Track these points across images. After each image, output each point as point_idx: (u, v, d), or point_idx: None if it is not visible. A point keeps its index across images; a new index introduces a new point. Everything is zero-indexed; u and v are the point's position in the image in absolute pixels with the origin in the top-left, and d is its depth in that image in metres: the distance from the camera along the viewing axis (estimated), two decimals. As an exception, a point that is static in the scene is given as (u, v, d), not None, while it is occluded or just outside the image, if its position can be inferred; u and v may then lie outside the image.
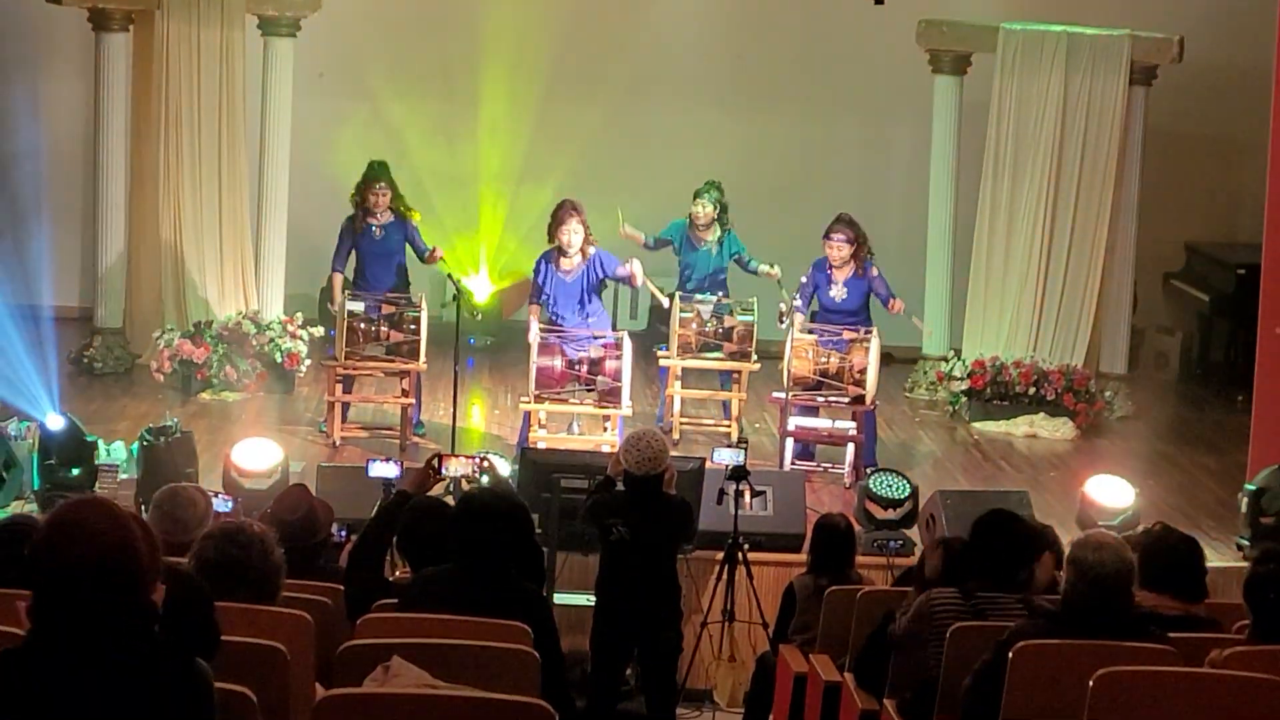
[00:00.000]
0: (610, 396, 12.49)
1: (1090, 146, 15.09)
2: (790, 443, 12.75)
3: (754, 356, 13.35)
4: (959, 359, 15.07)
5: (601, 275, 12.66)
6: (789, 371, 12.66)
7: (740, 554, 10.18)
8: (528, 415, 12.61)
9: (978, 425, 14.73)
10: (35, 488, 11.22)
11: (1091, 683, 5.81)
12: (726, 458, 10.20)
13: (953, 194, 15.49)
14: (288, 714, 5.58)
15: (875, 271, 13.02)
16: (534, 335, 12.61)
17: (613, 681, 9.17)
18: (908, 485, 11.58)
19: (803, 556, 10.19)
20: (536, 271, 12.71)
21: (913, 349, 15.76)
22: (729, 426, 13.42)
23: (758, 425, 13.90)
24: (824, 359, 12.82)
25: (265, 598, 6.16)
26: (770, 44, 16.79)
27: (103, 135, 14.80)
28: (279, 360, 14.42)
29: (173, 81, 14.62)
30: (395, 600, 6.69)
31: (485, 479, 8.96)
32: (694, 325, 13.36)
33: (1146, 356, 16.80)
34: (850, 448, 12.76)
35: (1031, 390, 14.72)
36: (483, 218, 16.68)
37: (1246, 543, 11.44)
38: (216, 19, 14.59)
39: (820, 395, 12.87)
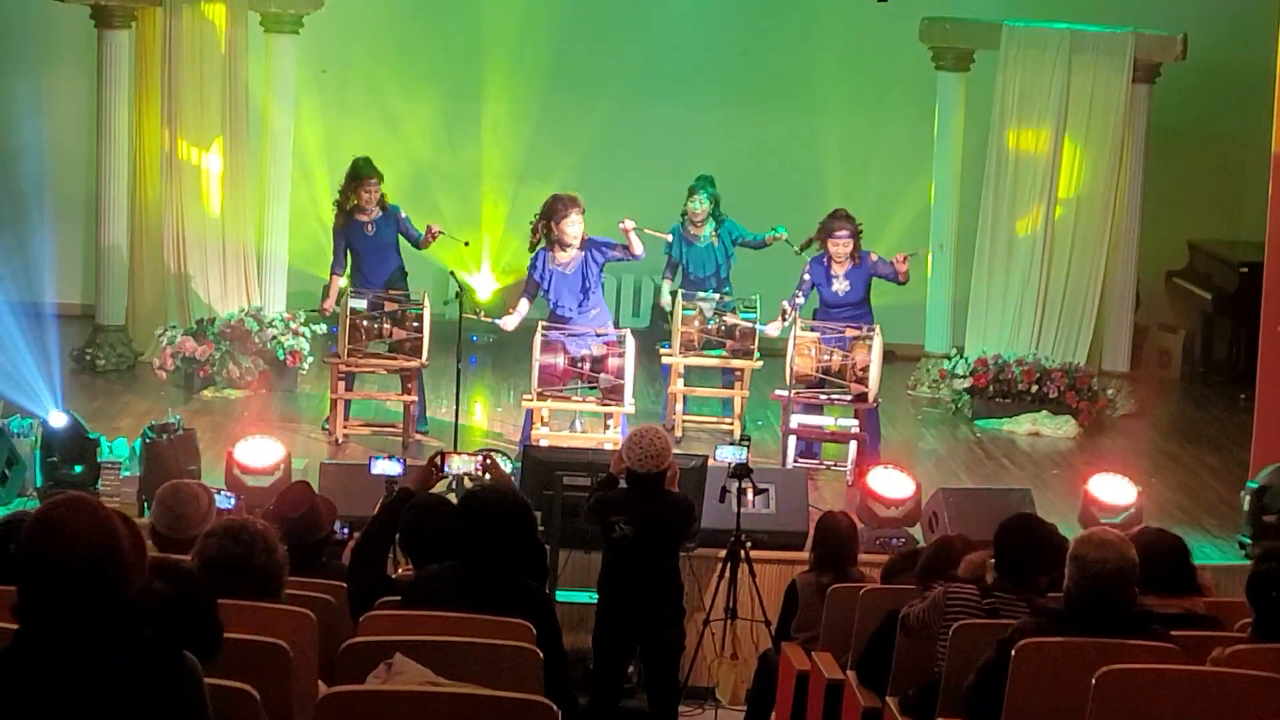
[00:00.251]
0: (613, 394, 12.49)
1: (1093, 144, 15.10)
2: (793, 440, 12.75)
3: (757, 354, 13.35)
4: (961, 357, 15.06)
5: (601, 260, 12.61)
6: (791, 369, 12.66)
7: (743, 552, 10.18)
8: (530, 413, 12.61)
9: (980, 423, 14.73)
10: (38, 485, 11.23)
11: (1094, 681, 5.81)
12: (729, 455, 10.20)
13: (956, 191, 15.49)
14: (291, 711, 5.58)
15: (873, 257, 13.02)
16: (510, 322, 12.63)
17: (615, 679, 9.17)
18: (910, 483, 11.59)
19: (805, 554, 10.20)
20: (533, 268, 12.67)
21: (915, 347, 15.76)
22: (731, 424, 13.41)
23: (760, 423, 13.90)
24: (826, 356, 12.82)
25: (268, 595, 6.15)
26: (772, 41, 16.78)
27: (105, 132, 14.81)
28: (281, 357, 14.42)
29: (175, 78, 14.62)
30: (398, 598, 6.69)
31: (488, 476, 8.95)
32: (696, 323, 13.36)
33: (1149, 354, 16.79)
34: (853, 445, 12.76)
35: (1034, 388, 14.72)
36: (485, 215, 16.68)
37: (1249, 541, 11.43)
38: (218, 16, 14.59)
39: (823, 393, 12.86)
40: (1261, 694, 5.84)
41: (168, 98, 14.64)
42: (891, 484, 11.57)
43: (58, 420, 11.33)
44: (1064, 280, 15.16)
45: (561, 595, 9.78)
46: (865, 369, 12.71)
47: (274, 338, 14.42)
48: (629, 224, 12.59)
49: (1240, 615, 6.86)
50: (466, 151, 16.69)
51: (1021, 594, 6.83)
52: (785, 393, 12.72)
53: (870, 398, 12.74)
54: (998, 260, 15.28)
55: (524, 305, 12.79)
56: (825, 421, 12.99)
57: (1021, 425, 14.66)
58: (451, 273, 12.88)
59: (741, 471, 10.08)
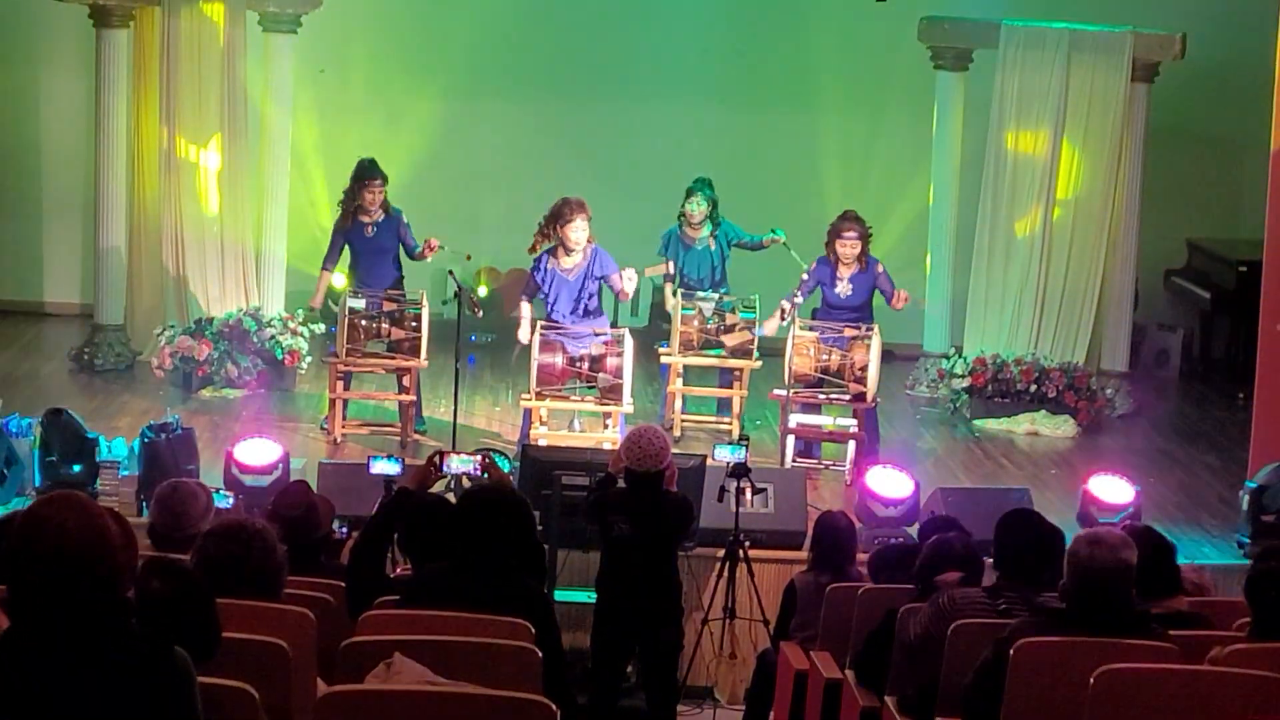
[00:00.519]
0: (611, 394, 12.49)
1: (1092, 143, 15.09)
2: (791, 440, 12.75)
3: (755, 354, 13.35)
4: (960, 356, 15.06)
5: (599, 275, 12.64)
6: (790, 369, 12.66)
7: (741, 551, 10.18)
8: (529, 412, 12.60)
9: (979, 423, 14.73)
10: (37, 484, 11.23)
11: (1092, 680, 5.81)
12: (727, 455, 10.20)
13: (954, 191, 15.48)
14: (290, 711, 5.59)
15: (880, 268, 13.02)
16: (524, 333, 12.65)
17: (614, 678, 9.18)
18: (909, 483, 11.59)
19: (804, 554, 10.20)
20: (536, 268, 12.68)
21: (914, 346, 15.76)
22: (730, 424, 13.41)
23: (759, 422, 13.90)
24: (825, 356, 12.82)
25: (267, 594, 6.16)
26: (770, 40, 16.78)
27: (103, 132, 14.80)
28: (280, 357, 14.41)
29: (173, 78, 14.61)
30: (397, 597, 6.69)
31: (486, 476, 8.95)
32: (695, 322, 13.36)
33: (1148, 354, 16.79)
34: (851, 445, 12.76)
35: (1033, 388, 14.72)
36: (482, 214, 16.66)
37: (1247, 540, 11.44)
38: (217, 15, 14.58)
39: (821, 392, 12.86)
40: (1260, 693, 5.85)
41: (166, 97, 14.63)
42: (890, 484, 11.56)
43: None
44: (1063, 279, 15.16)
45: (560, 595, 9.78)
46: (864, 369, 12.71)
47: (272, 337, 14.41)
48: (629, 288, 12.64)
49: (1239, 614, 6.86)
50: (464, 149, 16.68)
51: (1028, 591, 6.81)
52: (784, 392, 12.72)
53: (869, 397, 12.74)
54: (996, 259, 15.27)
55: (526, 309, 12.78)
56: (824, 421, 12.99)
57: (1020, 425, 14.66)
58: (450, 272, 12.86)
59: (740, 471, 10.08)
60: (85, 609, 4.01)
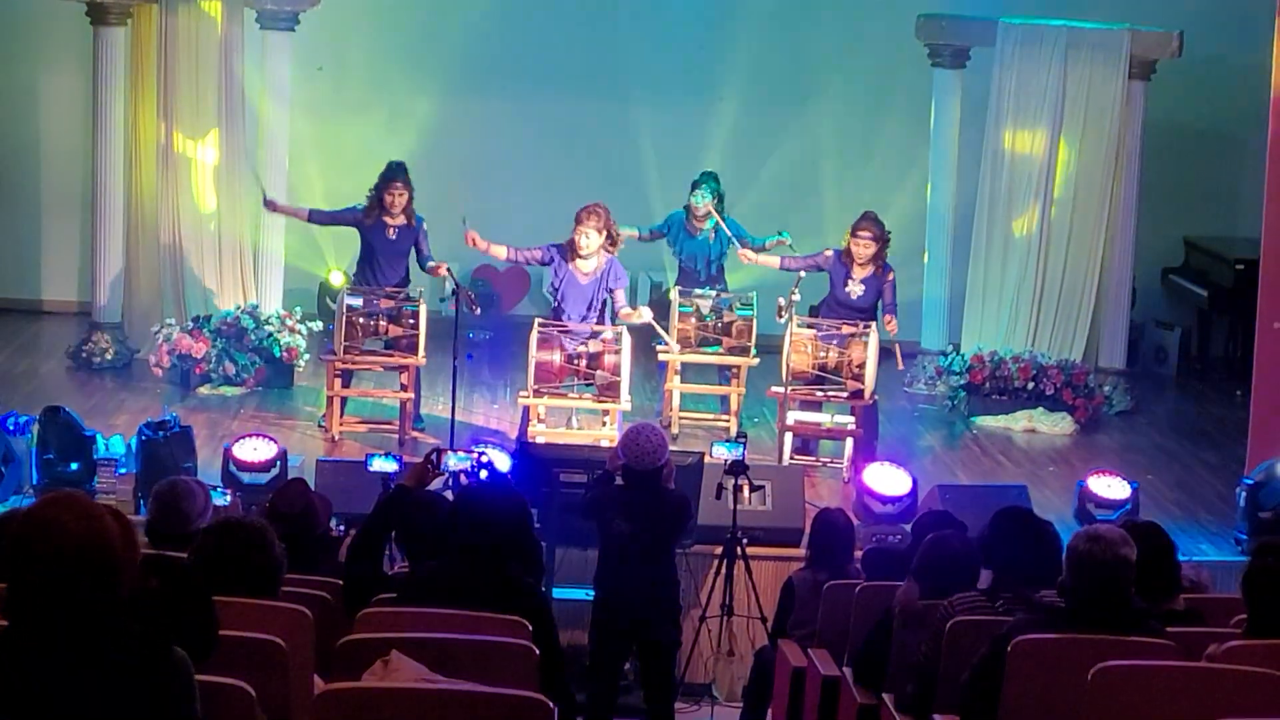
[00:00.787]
0: (609, 391, 12.49)
1: (1089, 141, 15.09)
2: (789, 437, 12.76)
3: (753, 351, 13.35)
4: (958, 354, 15.06)
5: (610, 288, 12.66)
6: (788, 366, 12.66)
7: (739, 549, 10.19)
8: (526, 410, 12.61)
9: (977, 420, 14.73)
10: (35, 482, 11.23)
11: (1089, 677, 5.81)
12: (725, 452, 10.20)
13: (952, 188, 15.48)
14: (287, 708, 5.59)
15: (891, 277, 12.97)
16: (483, 247, 12.78)
17: (612, 676, 9.18)
18: (907, 480, 11.59)
19: (801, 551, 10.21)
20: (549, 256, 12.68)
21: (911, 344, 15.75)
22: (728, 421, 13.42)
23: (756, 420, 13.90)
24: (823, 353, 12.82)
25: (264, 592, 6.16)
26: (768, 38, 16.77)
27: (101, 130, 14.79)
28: (278, 355, 14.41)
29: (171, 76, 14.61)
30: (394, 595, 6.69)
31: (484, 475, 8.95)
32: (693, 320, 13.36)
33: (1145, 351, 16.80)
34: (849, 442, 12.76)
35: (1030, 385, 14.72)
36: (481, 211, 16.63)
37: (1245, 537, 11.44)
38: (214, 13, 14.58)
39: (819, 390, 12.86)
40: (1256, 690, 5.85)
41: (164, 95, 14.63)
42: (888, 481, 11.58)
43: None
44: (1060, 277, 15.16)
45: (558, 592, 9.78)
46: (861, 366, 12.71)
47: (270, 335, 14.41)
48: (646, 314, 12.69)
49: (1236, 611, 6.86)
50: (462, 149, 16.67)
51: (1025, 591, 6.80)
52: (782, 389, 12.72)
53: (867, 395, 12.74)
54: (994, 257, 15.28)
55: (506, 251, 12.80)
56: (821, 418, 12.99)
57: (1018, 422, 14.67)
58: (448, 270, 12.87)
59: (738, 468, 10.08)
60: (85, 608, 4.01)
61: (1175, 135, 16.48)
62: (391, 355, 13.05)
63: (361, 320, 12.94)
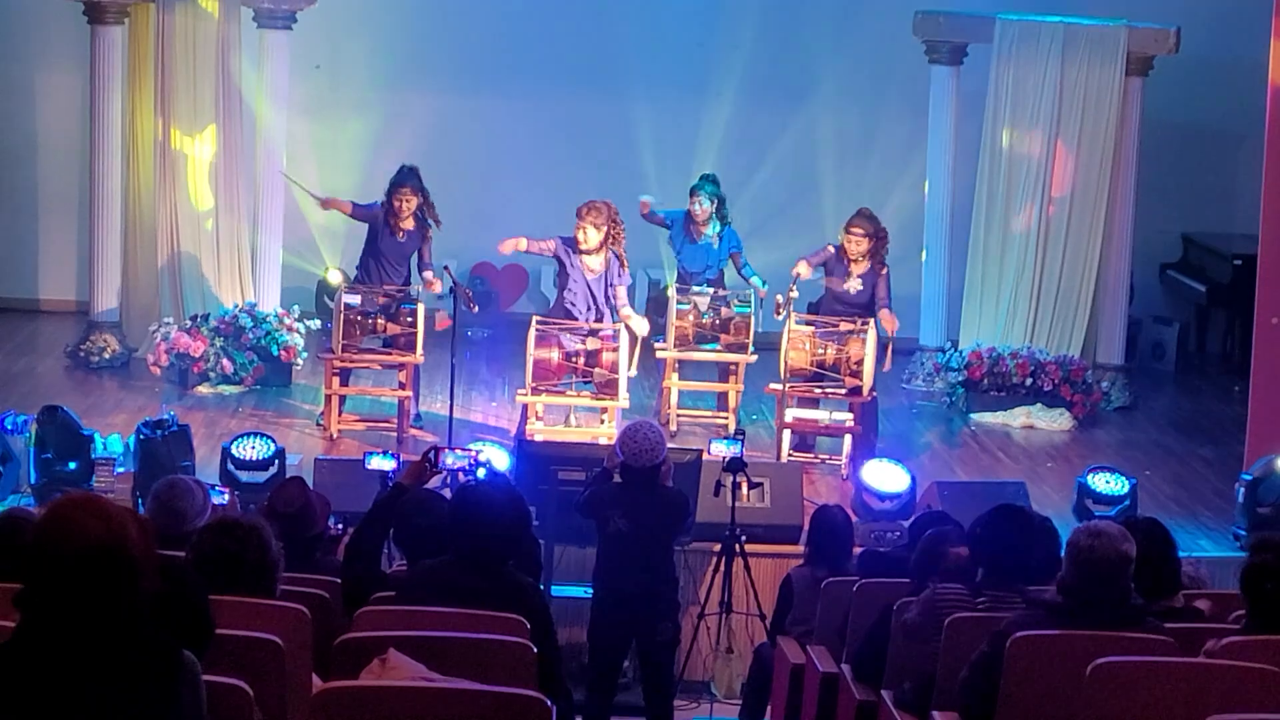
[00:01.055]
0: (607, 388, 12.49)
1: (1086, 137, 15.09)
2: (787, 434, 12.76)
3: (751, 348, 13.35)
4: (956, 350, 15.06)
5: (611, 284, 12.67)
6: (786, 363, 12.66)
7: (737, 546, 10.18)
8: (525, 407, 12.61)
9: (975, 416, 14.73)
10: (33, 481, 11.23)
11: (1088, 673, 5.82)
12: (723, 449, 10.20)
13: (949, 185, 15.48)
14: (285, 707, 5.58)
15: (884, 272, 12.97)
16: (510, 246, 12.73)
17: (610, 673, 9.18)
18: (905, 477, 11.59)
19: (800, 548, 10.20)
20: (559, 250, 12.69)
21: (910, 340, 15.75)
22: (726, 418, 13.41)
23: (755, 417, 13.90)
24: (821, 350, 12.82)
25: (262, 591, 6.16)
26: (765, 35, 16.76)
27: (98, 128, 14.78)
28: (276, 353, 14.41)
29: (168, 74, 14.60)
30: (392, 593, 6.69)
31: (483, 473, 8.95)
32: (691, 317, 13.36)
33: (1143, 347, 16.79)
34: (848, 439, 12.76)
35: (1028, 381, 14.72)
36: (480, 209, 16.65)
37: (1243, 533, 11.45)
38: (212, 12, 14.58)
39: (817, 387, 12.86)
40: (1255, 685, 5.85)
41: (161, 94, 14.63)
42: (886, 477, 11.58)
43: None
44: (1058, 273, 15.16)
45: (557, 590, 9.78)
46: (860, 362, 12.70)
47: (268, 333, 14.41)
48: (638, 328, 12.74)
49: (1234, 607, 6.87)
50: (460, 147, 16.66)
51: (1011, 589, 6.81)
52: (780, 386, 12.72)
53: (865, 391, 12.74)
54: (992, 253, 15.27)
55: (531, 244, 12.79)
56: (820, 415, 12.99)
57: (1016, 418, 14.67)
58: (445, 268, 12.86)
59: (736, 465, 10.08)
60: (101, 611, 3.99)
61: (1172, 131, 16.47)
62: (390, 353, 13.05)
63: (359, 318, 12.94)
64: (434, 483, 8.32)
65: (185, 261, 14.76)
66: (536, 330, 12.50)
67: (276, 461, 11.21)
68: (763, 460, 11.95)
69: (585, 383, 12.55)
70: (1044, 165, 15.11)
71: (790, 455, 12.67)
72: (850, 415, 12.78)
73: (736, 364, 13.41)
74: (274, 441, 11.41)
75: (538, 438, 12.19)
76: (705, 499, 10.28)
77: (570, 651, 9.13)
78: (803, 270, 12.81)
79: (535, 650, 5.94)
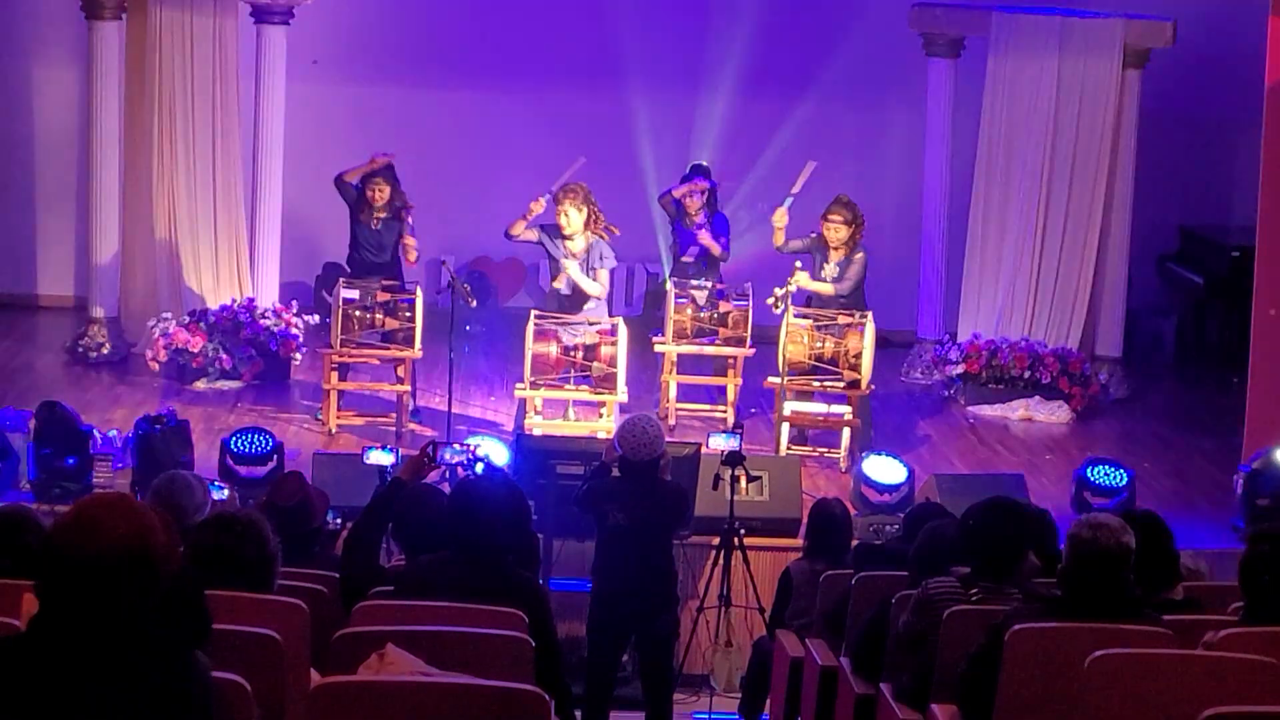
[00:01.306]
0: (605, 383, 12.49)
1: (1084, 130, 15.08)
2: (786, 427, 12.76)
3: (749, 342, 13.35)
4: (954, 342, 15.06)
5: (593, 268, 12.67)
6: (784, 357, 12.66)
7: (736, 539, 10.19)
8: (523, 402, 12.61)
9: (973, 409, 14.73)
10: (31, 478, 11.23)
11: (1087, 665, 5.82)
12: (722, 443, 10.19)
13: (947, 177, 15.48)
14: (283, 702, 5.58)
15: (858, 256, 12.94)
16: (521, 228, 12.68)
17: (609, 667, 9.18)
18: (904, 469, 11.59)
19: (799, 541, 10.20)
20: (541, 236, 12.71)
21: (908, 333, 15.76)
22: (724, 412, 13.41)
23: (753, 410, 13.89)
24: (819, 344, 12.81)
25: (260, 586, 6.16)
26: (761, 27, 16.75)
27: (96, 124, 14.78)
28: (274, 348, 14.41)
29: (166, 70, 14.60)
30: (390, 588, 6.69)
31: (480, 467, 8.96)
32: (689, 311, 13.36)
33: (1141, 339, 16.79)
34: (846, 432, 12.76)
35: (1026, 373, 14.72)
36: (478, 203, 16.65)
37: (1242, 525, 11.45)
38: (209, 7, 14.57)
39: (816, 380, 12.86)
40: (1254, 677, 5.85)
41: (158, 89, 14.62)
42: (885, 470, 11.58)
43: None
44: (1056, 265, 15.15)
45: (556, 584, 9.79)
46: (858, 356, 12.70)
47: (266, 328, 14.41)
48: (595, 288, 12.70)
49: (1233, 599, 6.87)
50: (456, 138, 16.67)
51: (1005, 581, 6.80)
52: (778, 380, 12.72)
53: (863, 384, 12.74)
54: (990, 245, 15.27)
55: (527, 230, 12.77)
56: (818, 408, 12.99)
57: (1014, 410, 14.67)
58: (443, 262, 12.87)
59: (734, 459, 10.08)
60: (117, 613, 3.98)
61: (1170, 123, 16.45)
62: (388, 348, 13.05)
63: (357, 313, 12.94)
64: (432, 477, 8.32)
65: (183, 257, 14.76)
66: (535, 325, 12.50)
67: (275, 456, 11.21)
68: (761, 453, 11.96)
69: (584, 377, 12.55)
70: (1041, 158, 15.10)
71: (789, 448, 12.67)
72: (849, 408, 12.78)
73: (735, 358, 13.41)
74: (273, 437, 11.41)
75: (536, 432, 12.19)
76: (704, 493, 10.28)
77: (569, 645, 9.12)
78: (778, 293, 12.70)
79: (534, 645, 5.94)
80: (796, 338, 12.75)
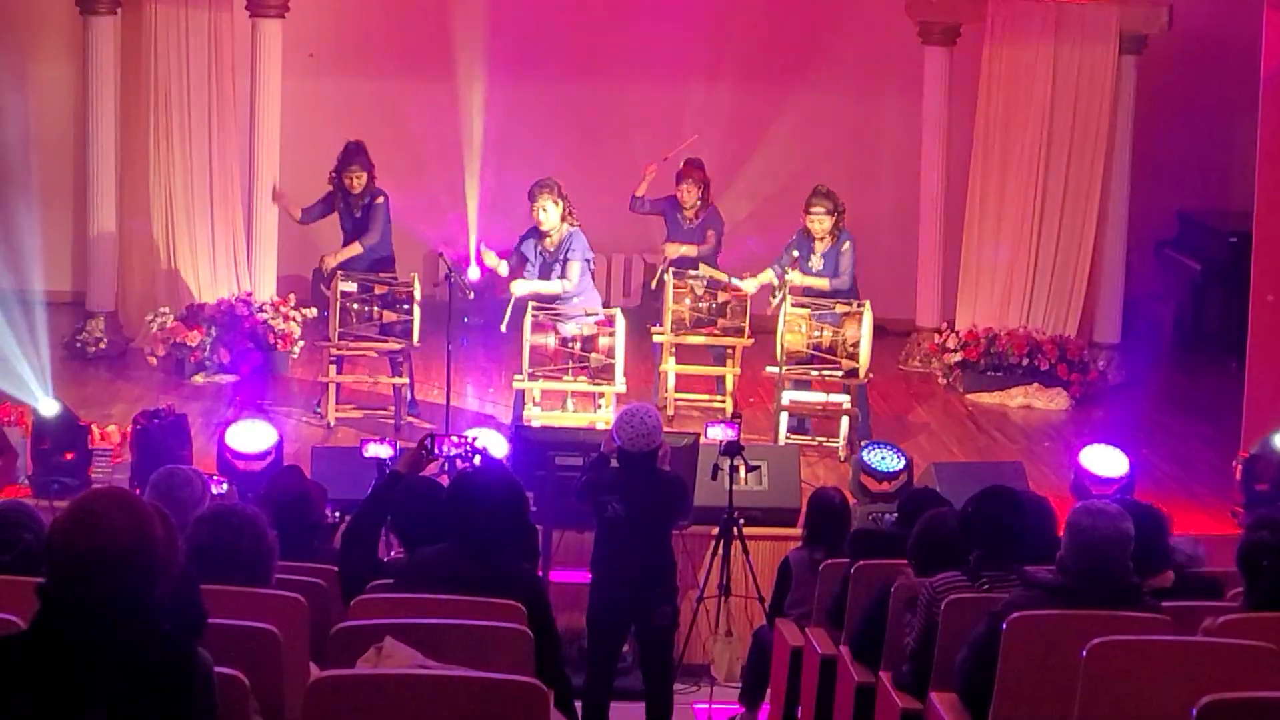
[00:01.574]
0: (603, 374, 12.49)
1: (1081, 116, 15.07)
2: (784, 417, 12.75)
3: (747, 331, 13.34)
4: (952, 330, 15.06)
5: (564, 259, 12.56)
6: (782, 346, 12.65)
7: (735, 529, 10.18)
8: (521, 393, 12.61)
9: (972, 396, 14.73)
10: (29, 473, 11.22)
11: (1085, 652, 5.81)
12: (720, 433, 10.19)
13: (944, 165, 15.48)
14: (281, 696, 5.58)
15: (845, 246, 12.93)
16: (506, 322, 12.55)
17: (609, 658, 9.19)
18: (902, 458, 11.59)
19: (798, 531, 10.20)
20: (520, 246, 12.68)
21: (906, 321, 15.75)
22: (723, 402, 13.41)
23: (752, 400, 13.89)
24: (817, 333, 12.81)
25: (258, 580, 6.15)
26: (757, 16, 16.74)
27: (92, 118, 14.78)
28: (272, 342, 14.40)
29: (161, 64, 14.59)
30: (389, 581, 6.68)
31: (479, 460, 8.94)
32: (688, 302, 13.35)
33: (1140, 325, 16.78)
34: (845, 421, 12.76)
35: (1025, 361, 14.72)
36: (471, 195, 16.64)
37: (1241, 510, 11.45)
38: (204, 1, 14.56)
39: (814, 369, 12.85)
40: (1253, 663, 5.84)
41: (154, 83, 14.61)
42: (884, 459, 11.57)
43: (49, 408, 11.31)
44: (1054, 252, 15.15)
45: (555, 575, 9.78)
46: (856, 344, 12.70)
47: (264, 322, 14.40)
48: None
49: (1233, 584, 6.87)
50: (453, 131, 16.65)
51: (1009, 568, 6.80)
52: (776, 370, 12.72)
53: (861, 373, 12.74)
54: (987, 233, 15.27)
55: (516, 289, 12.66)
56: (817, 398, 12.98)
57: (1013, 398, 14.67)
58: (440, 255, 12.86)
59: (733, 449, 10.08)
60: (118, 610, 3.98)
61: (1167, 109, 16.46)
62: (386, 341, 13.04)
63: (355, 306, 12.94)
64: (431, 470, 8.31)
65: (181, 251, 14.75)
66: (533, 316, 12.49)
67: (273, 451, 11.20)
68: (760, 443, 11.95)
69: (582, 368, 12.54)
70: (1038, 144, 15.09)
71: (787, 438, 12.67)
72: (847, 397, 12.78)
73: (733, 348, 13.40)
74: (271, 430, 11.40)
75: (535, 423, 12.19)
76: (703, 482, 10.28)
77: (569, 637, 9.13)
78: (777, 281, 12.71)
79: (533, 636, 5.94)
80: (794, 327, 12.75)
